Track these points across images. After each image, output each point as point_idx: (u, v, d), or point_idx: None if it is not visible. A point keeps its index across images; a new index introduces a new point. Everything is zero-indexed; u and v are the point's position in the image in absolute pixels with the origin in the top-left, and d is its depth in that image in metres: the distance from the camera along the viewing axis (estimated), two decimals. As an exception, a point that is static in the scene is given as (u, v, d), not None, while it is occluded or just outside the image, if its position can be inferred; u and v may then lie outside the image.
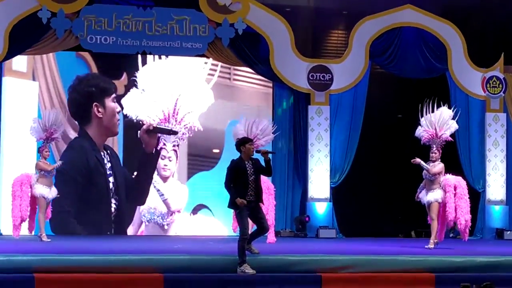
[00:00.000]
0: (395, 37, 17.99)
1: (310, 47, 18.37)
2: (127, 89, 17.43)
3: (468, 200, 13.69)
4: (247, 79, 18.26)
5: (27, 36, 16.37)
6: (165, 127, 17.40)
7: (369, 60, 17.91)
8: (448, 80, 18.13)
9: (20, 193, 14.04)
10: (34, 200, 14.12)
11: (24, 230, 14.61)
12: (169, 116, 17.49)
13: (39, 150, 14.32)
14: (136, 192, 17.34)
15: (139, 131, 17.31)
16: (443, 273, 10.95)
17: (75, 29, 16.54)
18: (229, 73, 18.18)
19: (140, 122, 17.28)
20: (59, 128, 14.42)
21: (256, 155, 11.04)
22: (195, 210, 17.72)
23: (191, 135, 17.62)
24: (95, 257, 10.69)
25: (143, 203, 17.32)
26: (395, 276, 10.85)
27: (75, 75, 17.18)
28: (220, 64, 17.87)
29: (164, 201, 17.43)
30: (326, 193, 17.72)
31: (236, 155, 11.06)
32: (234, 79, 18.22)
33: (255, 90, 18.32)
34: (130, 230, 17.25)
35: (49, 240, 13.96)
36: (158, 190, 17.39)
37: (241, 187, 10.76)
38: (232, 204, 10.83)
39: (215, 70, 17.99)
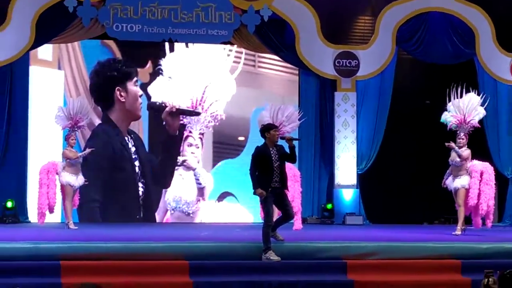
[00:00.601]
0: (422, 23, 17.84)
1: (336, 33, 18.24)
2: (152, 77, 17.47)
3: (494, 186, 13.62)
4: (272, 66, 18.21)
5: (54, 25, 16.44)
6: (188, 109, 17.45)
7: (395, 45, 17.78)
8: (476, 65, 17.96)
9: (47, 181, 14.17)
10: (62, 188, 14.23)
11: (51, 217, 14.74)
12: (196, 104, 17.51)
13: (66, 138, 14.41)
14: (161, 175, 17.40)
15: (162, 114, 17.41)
16: (469, 260, 10.88)
17: (101, 17, 16.58)
18: (254, 61, 18.14)
19: (163, 105, 17.32)
20: (84, 116, 14.48)
21: (280, 142, 11.02)
22: (220, 198, 17.74)
23: (217, 124, 17.63)
24: (121, 245, 10.76)
25: (168, 185, 17.34)
26: (421, 263, 10.80)
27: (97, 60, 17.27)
28: (244, 51, 17.86)
29: (201, 188, 17.46)
30: (353, 180, 17.67)
31: (261, 142, 11.05)
32: (259, 67, 18.18)
33: (280, 77, 18.28)
34: (156, 218, 17.32)
35: (76, 227, 14.05)
36: (196, 178, 17.44)
37: (266, 174, 10.74)
38: (261, 188, 10.81)
39: (240, 58, 17.98)
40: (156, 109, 17.36)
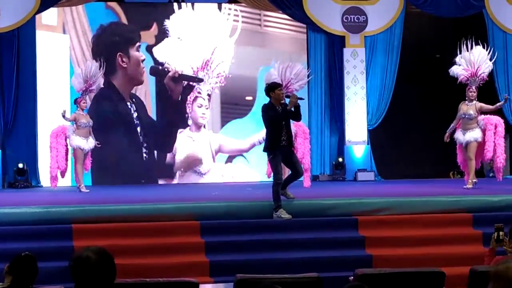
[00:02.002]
0: (430, -25, 17.69)
1: (343, -11, 18.12)
2: (158, 39, 17.38)
3: (503, 139, 13.59)
4: (278, 25, 18.12)
5: (59, -13, 16.38)
6: (190, 75, 17.41)
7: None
8: (485, 17, 17.79)
9: (56, 144, 14.19)
10: (74, 152, 14.25)
11: (62, 181, 14.79)
12: (203, 65, 17.46)
13: (76, 101, 14.35)
14: (163, 139, 17.46)
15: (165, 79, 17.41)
16: (480, 213, 10.85)
17: (107, -21, 16.51)
18: (260, 19, 18.04)
19: (166, 70, 17.29)
20: (97, 80, 14.47)
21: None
22: (230, 158, 17.76)
23: (223, 84, 17.59)
24: (132, 207, 10.78)
25: (171, 150, 17.40)
26: (432, 217, 10.77)
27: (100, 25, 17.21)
28: (243, 10, 17.74)
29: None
30: (364, 136, 17.64)
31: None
32: (265, 25, 18.08)
33: (287, 35, 18.18)
34: (162, 181, 17.36)
35: (87, 191, 14.08)
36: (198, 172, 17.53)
37: (275, 132, 10.70)
38: (267, 148, 10.80)
39: (243, 18, 17.88)
40: (159, 74, 17.33)
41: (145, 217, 10.46)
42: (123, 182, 16.66)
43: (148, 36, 17.40)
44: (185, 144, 17.44)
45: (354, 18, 17.50)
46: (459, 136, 13.42)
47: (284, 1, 17.27)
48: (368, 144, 17.63)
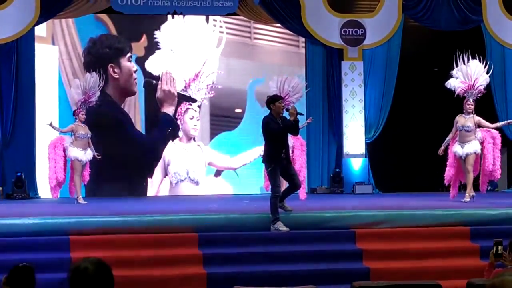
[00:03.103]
0: (428, -11, 17.75)
1: (342, 2, 18.16)
2: (147, 50, 17.41)
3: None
4: (269, 37, 18.11)
5: (59, 0, 16.41)
6: (186, 94, 17.43)
7: (402, 13, 17.70)
8: (483, 31, 17.85)
9: (54, 155, 14.21)
10: (71, 163, 14.27)
11: (63, 192, 14.81)
12: (196, 77, 17.48)
13: (75, 113, 14.39)
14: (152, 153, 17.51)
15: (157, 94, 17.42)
16: (478, 226, 10.87)
17: (106, -9, 16.54)
18: (250, 32, 18.07)
19: (159, 83, 17.32)
20: (96, 92, 14.50)
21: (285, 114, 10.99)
22: (218, 172, 17.78)
23: (212, 95, 17.59)
24: (129, 218, 10.77)
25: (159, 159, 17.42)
26: (430, 230, 10.78)
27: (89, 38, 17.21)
28: (231, 22, 17.78)
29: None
30: (362, 149, 17.66)
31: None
32: (255, 38, 18.08)
33: (277, 48, 18.16)
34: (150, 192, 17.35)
35: (85, 202, 14.09)
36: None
37: (274, 145, 10.71)
38: (266, 160, 10.81)
39: (231, 29, 17.90)
40: (152, 88, 17.34)
41: (142, 229, 10.46)
42: (112, 194, 16.61)
43: (137, 48, 17.39)
44: (179, 155, 17.42)
45: (352, 31, 17.55)
46: (457, 149, 13.42)
47: (283, 14, 17.32)
48: (366, 157, 17.65)
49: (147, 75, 17.35)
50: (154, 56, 17.41)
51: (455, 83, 13.78)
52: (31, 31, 16.47)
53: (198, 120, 17.56)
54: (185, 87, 17.47)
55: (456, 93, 13.78)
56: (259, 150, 14.29)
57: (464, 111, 13.43)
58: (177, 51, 17.49)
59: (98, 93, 14.69)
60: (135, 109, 17.39)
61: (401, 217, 11.02)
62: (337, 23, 17.51)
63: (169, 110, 17.46)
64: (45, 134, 16.02)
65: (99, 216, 10.93)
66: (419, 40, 18.51)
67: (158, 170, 17.40)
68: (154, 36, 17.42)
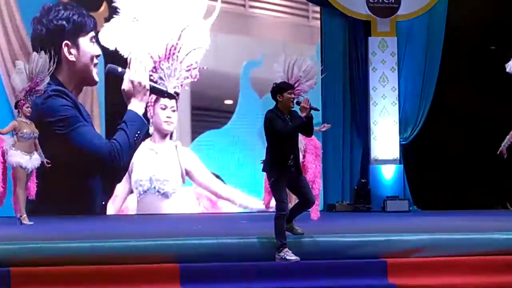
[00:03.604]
0: None
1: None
2: (107, 22, 17.50)
3: None
4: (268, 6, 18.11)
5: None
6: (160, 87, 17.42)
7: (448, -28, 17.81)
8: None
9: None
10: (12, 171, 14.22)
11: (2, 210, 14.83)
12: (169, 53, 17.45)
13: (18, 105, 14.30)
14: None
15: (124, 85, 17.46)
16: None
17: None
18: (244, -1, 18.12)
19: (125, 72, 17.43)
20: (45, 77, 14.42)
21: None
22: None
23: (195, 80, 17.57)
24: (89, 244, 10.75)
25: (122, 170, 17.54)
26: (483, 260, 10.79)
27: (41, 5, 17.24)
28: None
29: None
30: (395, 153, 17.75)
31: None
32: (251, 6, 18.08)
33: (280, 20, 18.24)
34: (111, 209, 17.40)
35: (31, 223, 14.06)
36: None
37: (282, 148, 10.67)
38: (269, 168, 10.79)
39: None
40: (117, 77, 17.35)
41: (106, 257, 10.45)
42: (64, 212, 16.63)
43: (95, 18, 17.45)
44: (147, 158, 17.39)
45: (383, -3, 17.66)
46: None
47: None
48: (400, 163, 17.70)
49: (111, 59, 17.32)
50: (111, 25, 17.41)
51: None
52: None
53: (174, 111, 17.51)
54: (154, 68, 17.40)
55: None
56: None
57: None
58: (146, 20, 17.50)
59: (47, 79, 14.60)
60: (92, 104, 17.37)
61: (445, 243, 11.03)
62: (363, -12, 17.60)
63: (138, 107, 17.43)
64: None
65: (49, 242, 10.91)
66: (471, 9, 18.52)
67: (122, 181, 17.39)
68: (114, 2, 17.50)
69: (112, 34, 17.43)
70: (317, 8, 17.98)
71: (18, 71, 14.55)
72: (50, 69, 14.58)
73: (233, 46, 17.88)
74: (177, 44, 17.53)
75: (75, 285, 10.01)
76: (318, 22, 18.10)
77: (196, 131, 17.82)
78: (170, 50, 17.53)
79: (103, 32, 17.41)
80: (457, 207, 17.06)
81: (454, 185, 17.88)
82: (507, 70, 13.92)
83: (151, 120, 17.52)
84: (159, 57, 17.50)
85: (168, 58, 17.52)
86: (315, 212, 14.15)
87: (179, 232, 12.18)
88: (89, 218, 15.99)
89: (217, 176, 17.77)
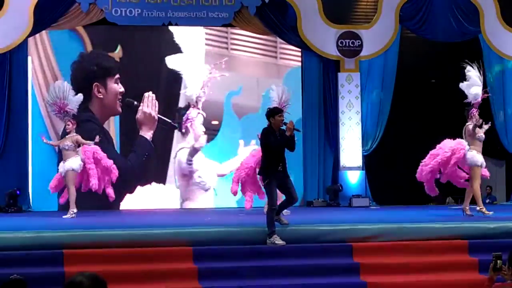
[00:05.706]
0: (425, 0, 17.77)
1: (338, 13, 18.20)
2: (122, 62, 17.37)
3: None
4: (247, 48, 18.07)
5: (52, 11, 16.45)
6: (167, 120, 17.39)
7: (399, 24, 17.75)
8: (481, 42, 17.89)
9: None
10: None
11: (52, 205, 14.74)
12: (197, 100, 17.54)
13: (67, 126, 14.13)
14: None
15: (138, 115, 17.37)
16: (476, 240, 10.85)
17: (100, 2, 16.57)
18: (227, 43, 18.03)
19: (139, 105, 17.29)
20: (71, 102, 13.99)
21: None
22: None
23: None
24: (123, 232, 10.73)
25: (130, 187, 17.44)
26: (427, 244, 10.75)
27: (69, 50, 17.15)
28: (208, 33, 17.87)
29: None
30: (359, 161, 17.68)
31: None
32: (232, 49, 18.04)
33: (255, 60, 18.12)
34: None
35: (73, 216, 13.84)
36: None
37: (272, 158, 10.68)
38: (263, 173, 10.81)
39: (208, 40, 17.93)
40: (131, 109, 17.29)
41: (137, 243, 10.42)
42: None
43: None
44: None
45: (349, 42, 17.60)
46: (472, 156, 13.01)
47: (280, 27, 17.36)
48: (363, 169, 17.65)
49: (128, 94, 17.26)
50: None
51: (479, 90, 13.09)
52: (25, 42, 16.47)
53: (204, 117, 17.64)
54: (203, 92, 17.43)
55: (478, 101, 13.09)
56: (235, 162, 14.43)
57: (475, 121, 12.90)
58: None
59: (73, 105, 14.10)
60: (109, 129, 17.29)
61: (398, 231, 10.99)
62: (334, 34, 17.56)
63: (147, 134, 17.38)
64: (39, 146, 16.02)
65: (93, 230, 10.88)
66: (417, 52, 18.56)
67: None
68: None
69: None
70: (281, 50, 17.93)
71: (49, 91, 14.40)
72: (76, 99, 14.25)
73: (218, 79, 17.75)
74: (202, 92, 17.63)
75: (113, 264, 9.97)
76: (285, 60, 18.04)
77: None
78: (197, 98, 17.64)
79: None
80: (406, 203, 16.99)
81: (404, 185, 17.78)
82: (471, 97, 13.09)
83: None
84: (203, 82, 17.59)
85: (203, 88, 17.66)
86: (247, 203, 14.37)
87: (193, 222, 12.16)
88: (110, 212, 15.78)
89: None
